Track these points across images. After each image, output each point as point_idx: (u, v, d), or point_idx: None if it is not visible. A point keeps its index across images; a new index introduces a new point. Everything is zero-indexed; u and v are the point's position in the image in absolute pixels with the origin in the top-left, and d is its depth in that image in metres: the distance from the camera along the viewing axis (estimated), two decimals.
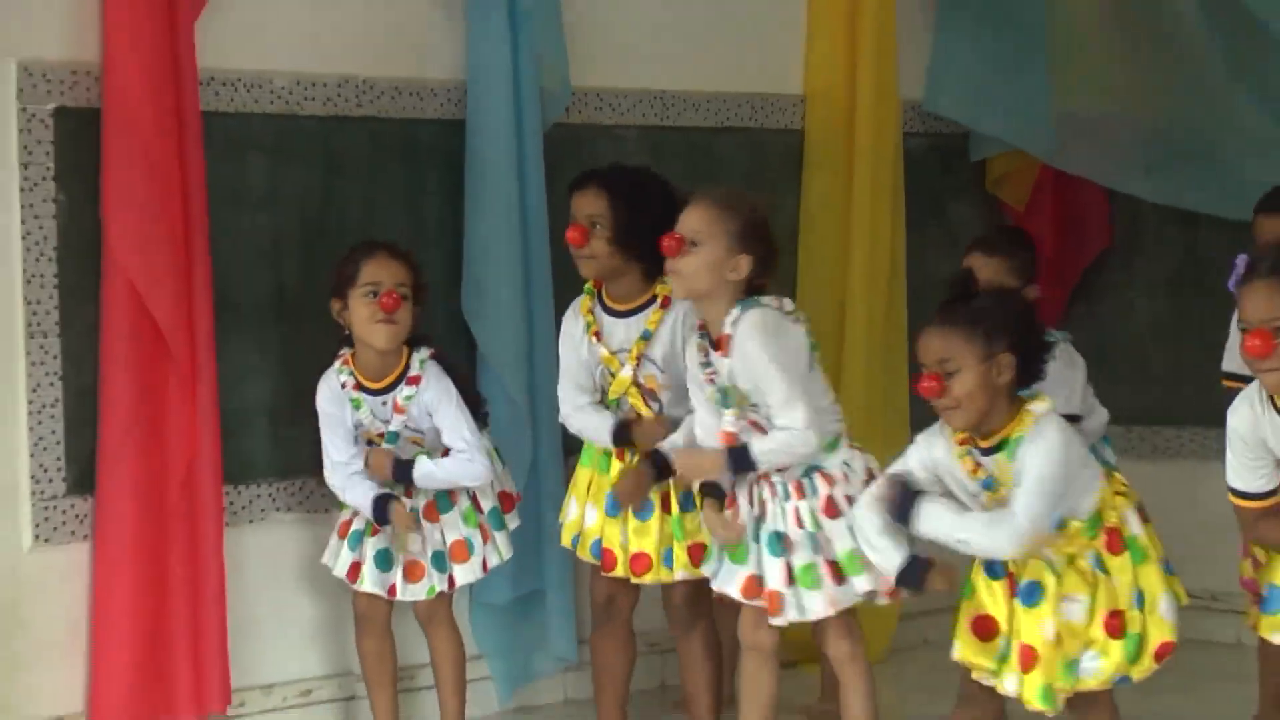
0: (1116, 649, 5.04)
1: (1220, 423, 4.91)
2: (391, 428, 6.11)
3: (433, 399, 6.09)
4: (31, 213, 5.98)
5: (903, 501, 5.19)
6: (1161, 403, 7.84)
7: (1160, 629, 5.07)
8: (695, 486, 5.80)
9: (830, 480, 5.57)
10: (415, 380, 6.09)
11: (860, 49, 7.63)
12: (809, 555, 5.53)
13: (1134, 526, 5.13)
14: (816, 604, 5.51)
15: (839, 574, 5.52)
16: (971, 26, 7.94)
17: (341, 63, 6.57)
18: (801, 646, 6.43)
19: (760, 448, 5.53)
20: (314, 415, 6.27)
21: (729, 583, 5.63)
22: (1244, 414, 4.90)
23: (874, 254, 7.53)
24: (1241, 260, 4.78)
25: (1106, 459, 6.32)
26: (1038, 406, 5.11)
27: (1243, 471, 4.91)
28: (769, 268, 5.64)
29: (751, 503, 5.62)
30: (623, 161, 6.54)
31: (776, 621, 5.60)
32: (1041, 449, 5.04)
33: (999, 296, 5.29)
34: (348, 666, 6.53)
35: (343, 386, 6.13)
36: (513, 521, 6.31)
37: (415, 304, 6.12)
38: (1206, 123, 7.75)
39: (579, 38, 6.94)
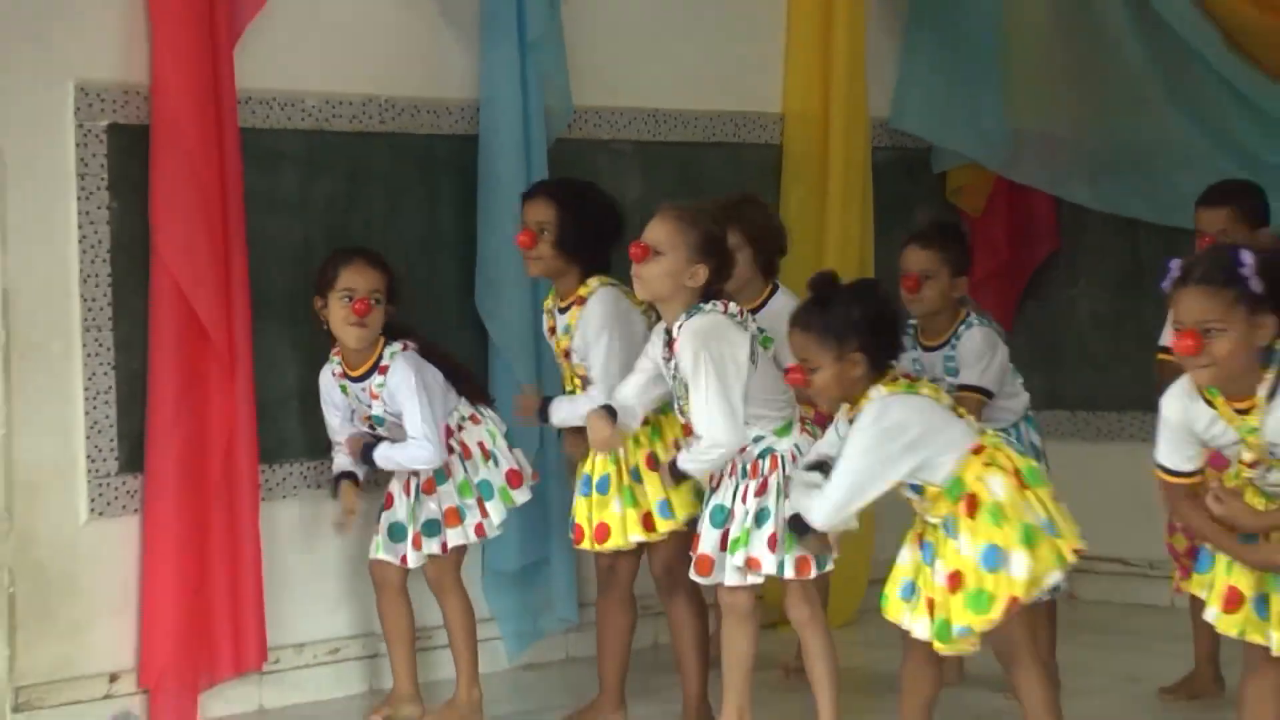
0: (957, 603, 5.06)
1: (1155, 408, 4.85)
2: (374, 411, 6.16)
3: (393, 388, 6.10)
4: (87, 219, 6.05)
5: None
6: (1103, 390, 7.87)
7: (1010, 585, 5.01)
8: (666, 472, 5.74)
9: (776, 463, 5.58)
10: (385, 370, 6.12)
11: (833, 72, 7.72)
12: (746, 526, 5.56)
13: (996, 490, 5.08)
14: (734, 573, 5.55)
15: (773, 546, 5.52)
16: (933, 52, 8.04)
17: (366, 84, 6.63)
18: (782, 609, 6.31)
19: (684, 462, 5.58)
20: None
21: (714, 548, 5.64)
22: (1176, 403, 4.81)
23: (845, 256, 7.61)
24: (1175, 264, 4.74)
25: (1032, 439, 6.33)
26: (874, 392, 5.17)
27: (1171, 452, 4.83)
28: (724, 277, 5.64)
29: (711, 479, 5.66)
30: (595, 176, 6.60)
31: (700, 581, 5.65)
32: (855, 430, 5.16)
33: (851, 298, 5.31)
34: (372, 627, 6.52)
35: (334, 375, 6.19)
36: (522, 496, 6.29)
37: (389, 304, 6.14)
38: (1144, 139, 7.82)
39: (579, 62, 6.99)
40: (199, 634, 6.15)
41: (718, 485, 5.65)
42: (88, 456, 6.08)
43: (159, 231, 6.05)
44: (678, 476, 5.66)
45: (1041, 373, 7.77)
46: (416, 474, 6.19)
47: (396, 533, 6.19)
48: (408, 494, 6.19)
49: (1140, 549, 7.32)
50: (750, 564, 5.50)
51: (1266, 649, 4.77)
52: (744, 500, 5.58)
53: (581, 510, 5.99)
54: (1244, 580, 4.80)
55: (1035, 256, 8.21)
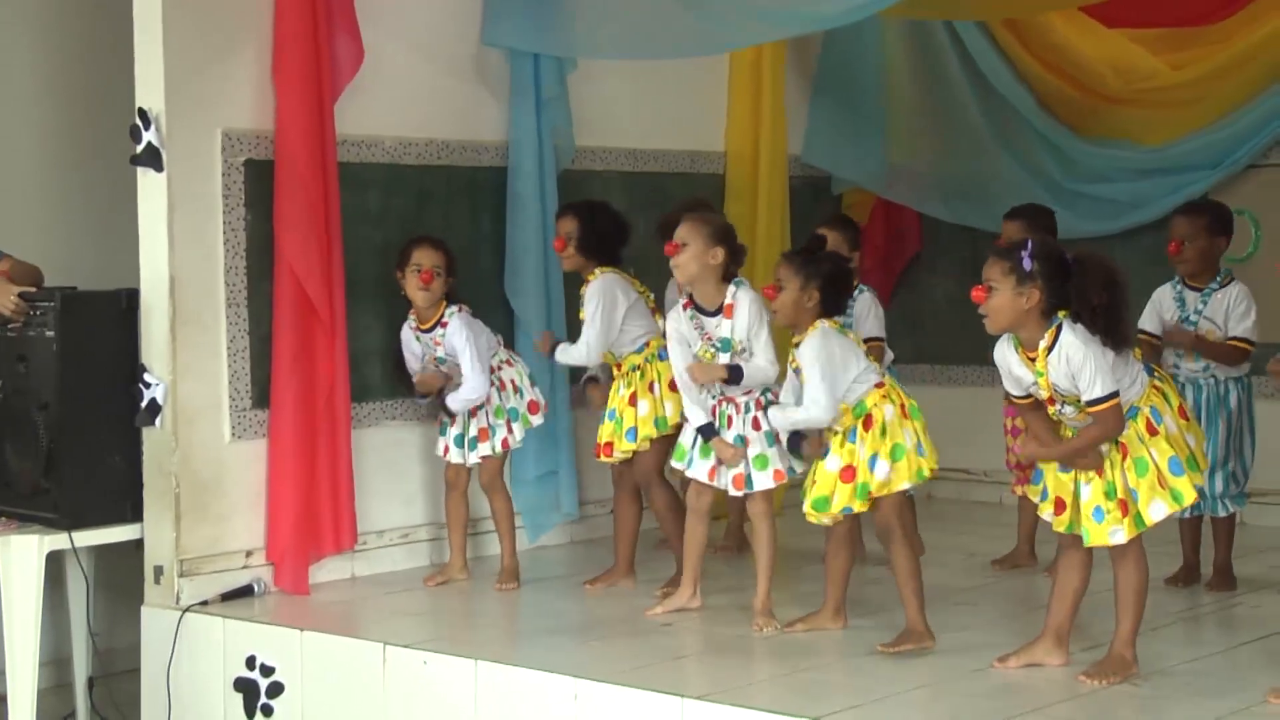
0: (845, 490, 5.15)
1: (991, 363, 4.94)
2: (438, 354, 6.19)
3: (451, 338, 6.12)
4: (229, 227, 6.04)
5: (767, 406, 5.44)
6: (953, 350, 7.90)
7: (875, 485, 5.13)
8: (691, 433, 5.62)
9: (760, 403, 5.52)
10: (445, 325, 6.16)
11: (761, 120, 7.71)
12: (761, 448, 5.51)
13: (888, 415, 5.15)
14: (764, 480, 5.51)
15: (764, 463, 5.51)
16: (833, 106, 8.07)
17: (428, 130, 6.62)
18: (718, 505, 6.24)
19: (749, 373, 5.46)
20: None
21: (699, 472, 5.60)
22: (999, 349, 4.87)
23: (769, 255, 7.39)
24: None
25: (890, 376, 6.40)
26: (820, 324, 5.23)
27: (1007, 383, 4.89)
28: (738, 258, 5.58)
29: (716, 416, 5.55)
30: (598, 197, 6.58)
31: (736, 494, 5.57)
32: (806, 349, 5.20)
33: (827, 257, 5.37)
34: (433, 518, 6.58)
35: (411, 328, 6.23)
36: (537, 420, 6.32)
37: (448, 277, 6.13)
38: (981, 171, 7.86)
39: (580, 114, 6.97)
40: (309, 522, 6.12)
41: (729, 424, 5.53)
42: (229, 396, 6.07)
43: (280, 236, 6.04)
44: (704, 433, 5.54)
45: (910, 338, 7.88)
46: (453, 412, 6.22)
47: (460, 442, 6.25)
48: (463, 414, 6.24)
49: (979, 462, 7.38)
50: (777, 476, 5.51)
51: (1077, 537, 4.86)
52: (756, 427, 5.51)
53: (604, 433, 6.04)
54: (1065, 491, 4.87)
55: (905, 255, 8.23)
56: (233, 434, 6.10)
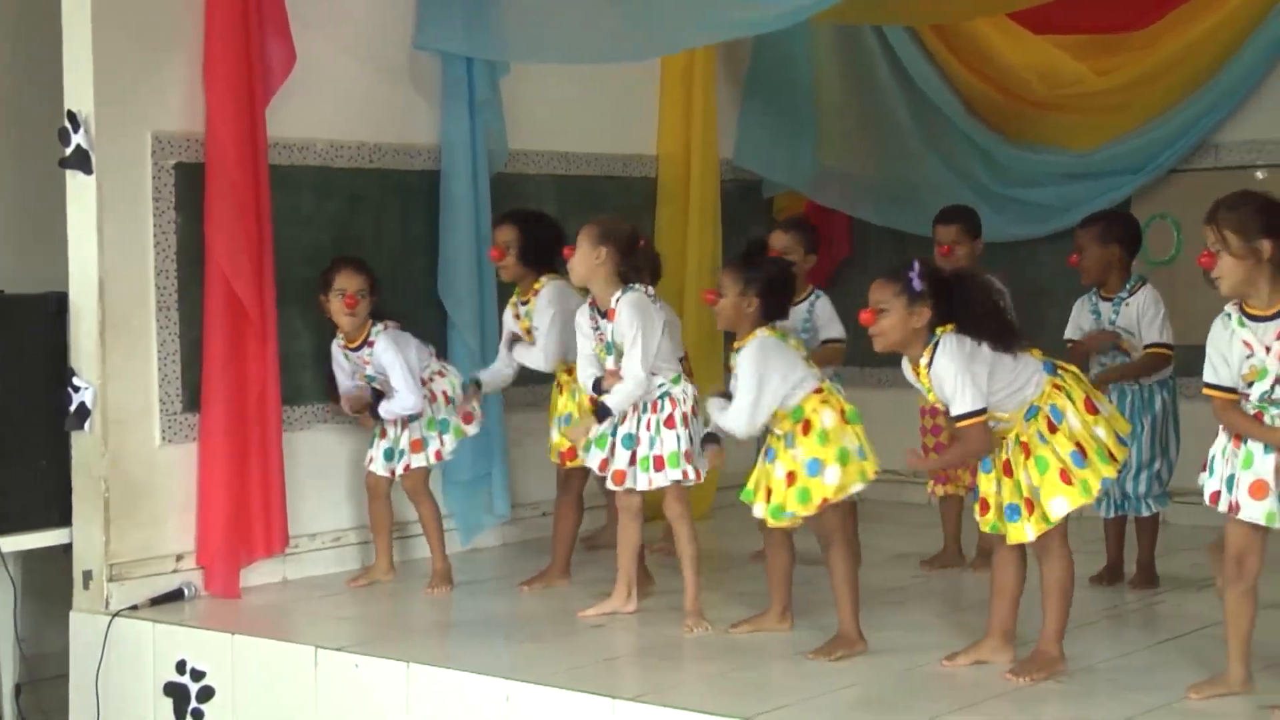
0: (790, 494, 5.14)
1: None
2: (367, 372, 6.20)
3: (378, 356, 6.12)
4: (159, 230, 6.01)
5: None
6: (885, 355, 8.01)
7: (821, 489, 5.11)
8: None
9: (674, 402, 5.57)
10: (371, 344, 6.15)
11: (693, 124, 7.72)
12: (647, 450, 5.54)
13: (826, 421, 5.14)
14: (643, 481, 5.55)
15: (662, 464, 5.54)
16: (764, 110, 8.08)
17: (360, 133, 6.60)
18: (654, 506, 6.31)
19: (613, 399, 5.52)
20: None
21: (592, 461, 5.66)
22: (904, 362, 4.96)
23: (701, 257, 7.65)
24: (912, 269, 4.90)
25: (836, 386, 6.44)
26: (760, 332, 5.20)
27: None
28: (628, 258, 5.56)
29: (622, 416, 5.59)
30: (530, 202, 6.65)
31: (616, 489, 5.62)
32: (743, 360, 5.19)
33: (768, 261, 5.35)
34: (364, 521, 6.52)
35: (339, 346, 6.24)
36: (471, 430, 6.30)
37: (372, 296, 6.13)
38: (909, 175, 7.90)
39: (513, 118, 6.96)
40: (240, 527, 6.11)
41: (624, 420, 5.60)
42: (160, 400, 6.05)
43: (211, 239, 6.01)
44: (603, 415, 5.59)
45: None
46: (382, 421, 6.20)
47: (388, 455, 6.24)
48: (394, 426, 6.23)
49: (900, 462, 7.37)
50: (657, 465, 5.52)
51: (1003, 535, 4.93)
52: (648, 428, 5.56)
53: (562, 442, 6.03)
54: (989, 491, 4.94)
55: (836, 258, 8.21)
56: (163, 438, 6.08)
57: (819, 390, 5.24)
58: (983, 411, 4.81)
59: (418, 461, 6.23)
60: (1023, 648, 5.04)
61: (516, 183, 7.06)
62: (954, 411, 4.80)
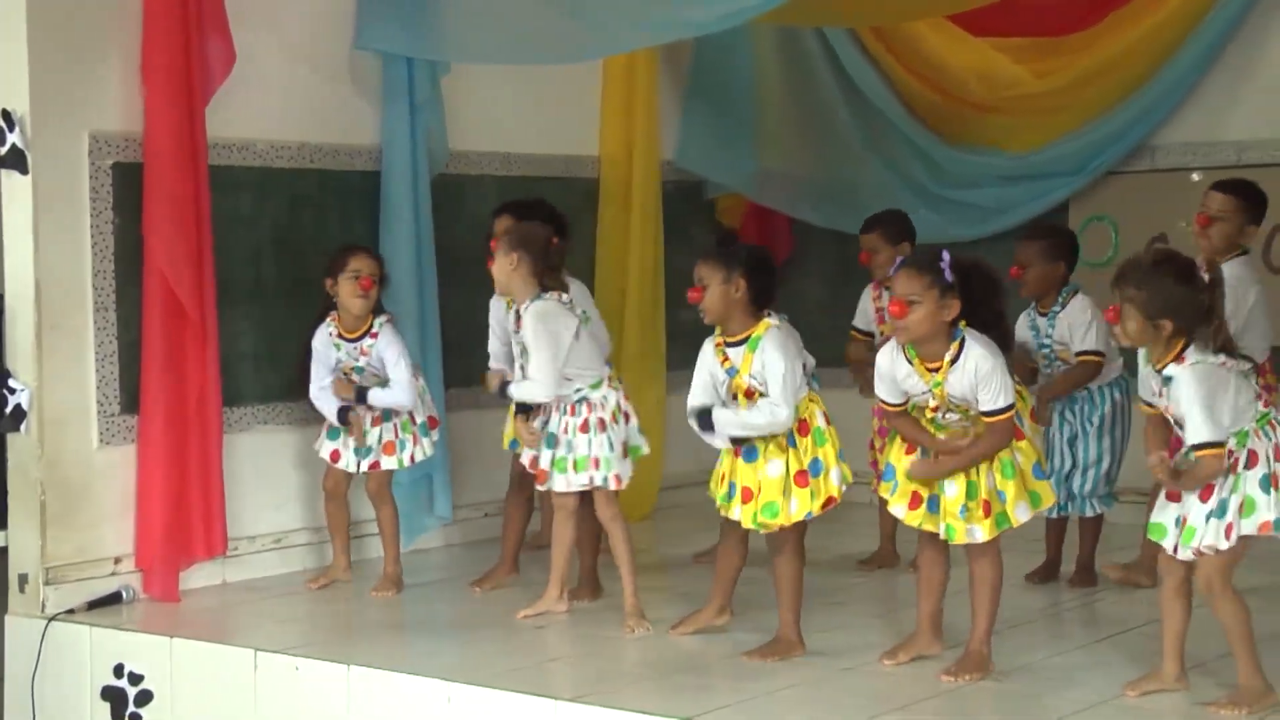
0: (804, 494, 5.08)
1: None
2: (359, 364, 6.14)
3: (383, 349, 6.09)
4: (97, 230, 5.97)
5: (702, 418, 5.14)
6: (822, 352, 7.60)
7: (828, 488, 5.09)
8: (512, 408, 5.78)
9: (591, 407, 5.56)
10: (375, 335, 6.11)
11: (635, 125, 7.72)
12: (564, 452, 5.55)
13: (820, 421, 5.13)
14: (559, 483, 5.56)
15: (576, 468, 5.53)
16: (706, 111, 8.08)
17: (300, 133, 6.57)
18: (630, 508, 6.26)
19: (515, 386, 5.58)
20: (284, 359, 6.32)
21: (524, 459, 5.70)
22: (885, 356, 4.92)
23: (643, 259, 7.66)
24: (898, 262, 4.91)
25: (814, 386, 6.40)
26: (771, 319, 5.11)
27: (883, 390, 4.94)
28: (545, 264, 5.55)
29: (545, 414, 5.62)
30: (470, 205, 6.65)
31: (541, 488, 5.63)
32: (769, 353, 5.02)
33: (743, 248, 5.34)
34: (306, 523, 6.54)
35: (330, 335, 6.16)
36: (435, 435, 6.30)
37: (380, 287, 6.16)
38: (850, 176, 7.91)
39: (454, 118, 6.94)
40: (179, 529, 6.07)
41: (548, 420, 5.62)
42: (97, 402, 6.01)
43: (149, 239, 5.98)
44: (506, 396, 5.67)
45: None
46: (373, 408, 6.15)
47: (360, 452, 6.20)
48: (364, 423, 6.19)
49: (849, 463, 7.41)
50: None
51: (934, 532, 4.95)
52: (565, 432, 5.56)
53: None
54: (921, 487, 4.95)
55: (778, 257, 7.97)
56: (101, 440, 6.04)
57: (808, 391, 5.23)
58: (1013, 406, 4.82)
59: (388, 463, 6.20)
60: (957, 649, 5.06)
61: (457, 183, 7.04)
62: (994, 405, 4.77)
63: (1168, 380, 4.54)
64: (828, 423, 5.19)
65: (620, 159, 7.72)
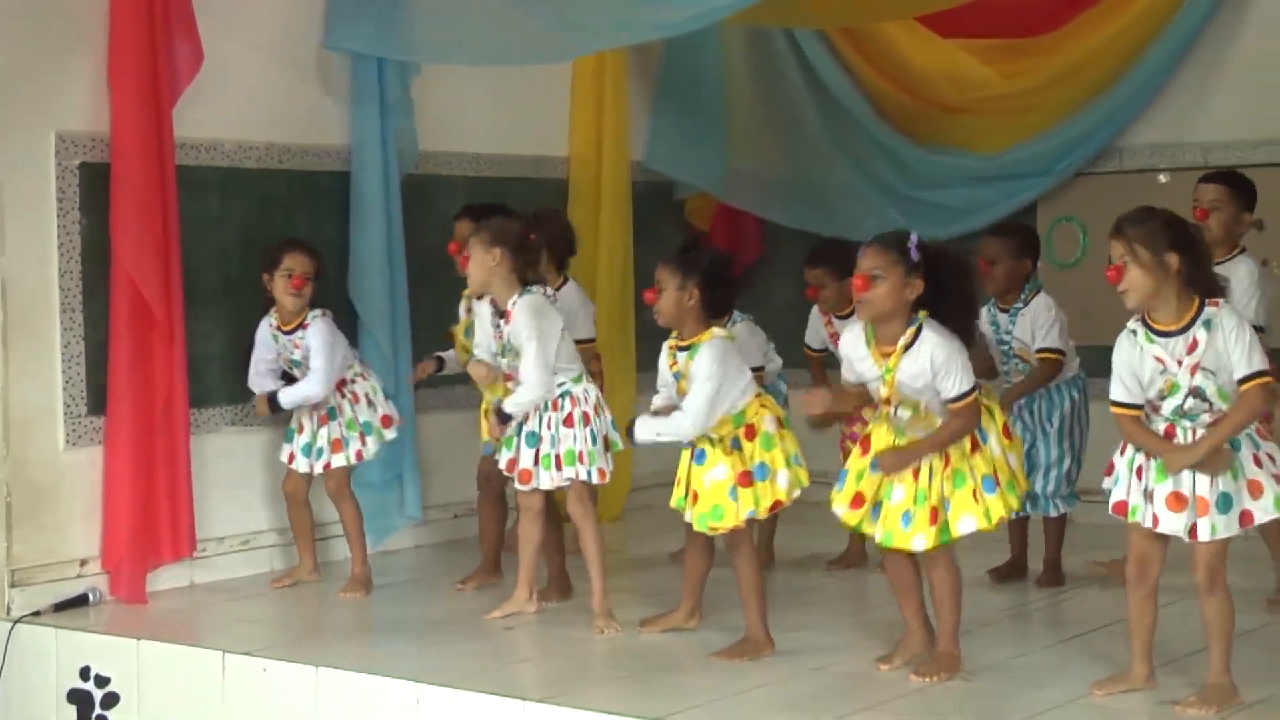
0: (747, 495, 5.08)
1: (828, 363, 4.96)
2: (294, 356, 6.15)
3: (311, 339, 6.07)
4: (64, 231, 5.96)
5: (629, 426, 5.29)
6: (790, 353, 7.51)
7: (775, 492, 5.11)
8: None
9: (575, 401, 5.55)
10: (306, 327, 6.11)
11: (604, 126, 7.72)
12: (549, 448, 5.52)
13: (768, 426, 5.13)
14: (545, 480, 5.53)
15: (560, 463, 5.52)
16: (675, 113, 8.07)
17: (269, 134, 6.55)
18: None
19: (511, 403, 5.51)
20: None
21: (502, 461, 5.62)
22: (849, 335, 4.88)
23: (613, 259, 7.66)
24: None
25: (780, 389, 6.43)
26: (716, 331, 5.11)
27: (846, 373, 4.92)
28: (525, 259, 5.52)
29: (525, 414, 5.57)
30: (440, 206, 6.64)
31: (523, 488, 5.57)
32: (700, 360, 5.06)
33: (704, 253, 5.29)
34: (273, 525, 6.53)
35: (270, 326, 6.18)
36: (390, 434, 6.28)
37: (315, 281, 6.13)
38: (819, 177, 7.90)
39: (424, 118, 6.91)
40: (146, 531, 6.06)
41: (527, 418, 5.58)
42: (64, 403, 6.00)
43: (116, 240, 5.96)
44: (504, 419, 5.58)
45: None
46: (317, 408, 6.14)
47: (306, 450, 6.20)
48: (311, 423, 6.19)
49: (814, 464, 7.35)
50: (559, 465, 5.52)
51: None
52: (549, 427, 5.55)
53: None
54: (867, 489, 4.91)
55: (748, 258, 8.20)
56: (67, 441, 6.02)
57: (759, 395, 5.22)
58: (977, 388, 4.79)
59: (338, 461, 6.19)
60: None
61: (427, 184, 7.02)
62: (956, 391, 4.72)
63: (1207, 324, 4.42)
64: (780, 426, 5.18)
65: (589, 159, 7.71)
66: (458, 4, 6.49)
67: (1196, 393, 4.45)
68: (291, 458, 6.25)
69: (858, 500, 4.93)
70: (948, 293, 4.79)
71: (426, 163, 7.06)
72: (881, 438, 4.90)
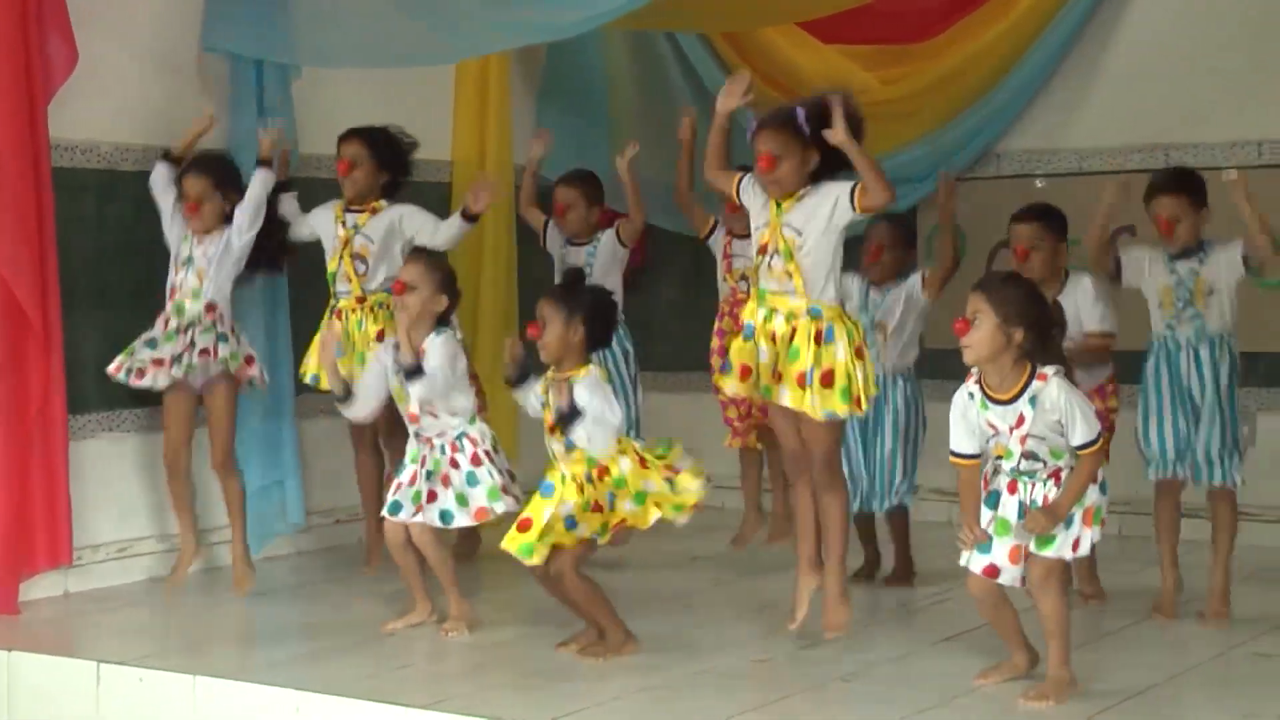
0: (595, 519, 5.06)
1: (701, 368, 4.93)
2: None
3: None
4: None
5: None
6: (676, 357, 7.92)
7: (637, 518, 5.10)
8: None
9: (474, 441, 5.48)
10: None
11: (487, 130, 7.69)
12: (464, 486, 5.43)
13: (624, 467, 5.06)
14: (463, 518, 5.44)
15: (489, 496, 5.41)
16: (559, 113, 8.03)
17: (147, 136, 6.46)
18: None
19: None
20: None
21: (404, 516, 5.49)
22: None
23: (496, 265, 7.63)
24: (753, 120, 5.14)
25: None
26: (593, 369, 5.11)
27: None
28: (455, 304, 5.54)
29: (421, 457, 5.49)
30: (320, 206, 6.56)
31: (421, 523, 5.43)
32: (591, 390, 5.05)
33: (588, 290, 5.27)
34: (152, 532, 6.45)
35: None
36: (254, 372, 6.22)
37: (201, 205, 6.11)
38: (701, 181, 7.43)
39: (305, 121, 6.86)
40: (20, 538, 5.93)
41: (423, 461, 5.49)
42: None
43: None
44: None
45: (637, 343, 7.88)
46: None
47: (179, 360, 6.13)
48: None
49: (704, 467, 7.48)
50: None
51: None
52: (455, 467, 5.45)
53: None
54: (749, 358, 5.14)
55: (631, 263, 7.68)
56: None
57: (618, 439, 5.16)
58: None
59: (215, 369, 6.11)
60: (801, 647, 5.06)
61: (307, 187, 6.89)
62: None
63: (1032, 400, 4.53)
64: (644, 466, 5.11)
65: (473, 163, 7.66)
66: (340, 6, 6.41)
67: (1030, 455, 4.59)
68: (159, 363, 6.11)
69: (745, 371, 5.10)
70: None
71: (306, 166, 6.97)
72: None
